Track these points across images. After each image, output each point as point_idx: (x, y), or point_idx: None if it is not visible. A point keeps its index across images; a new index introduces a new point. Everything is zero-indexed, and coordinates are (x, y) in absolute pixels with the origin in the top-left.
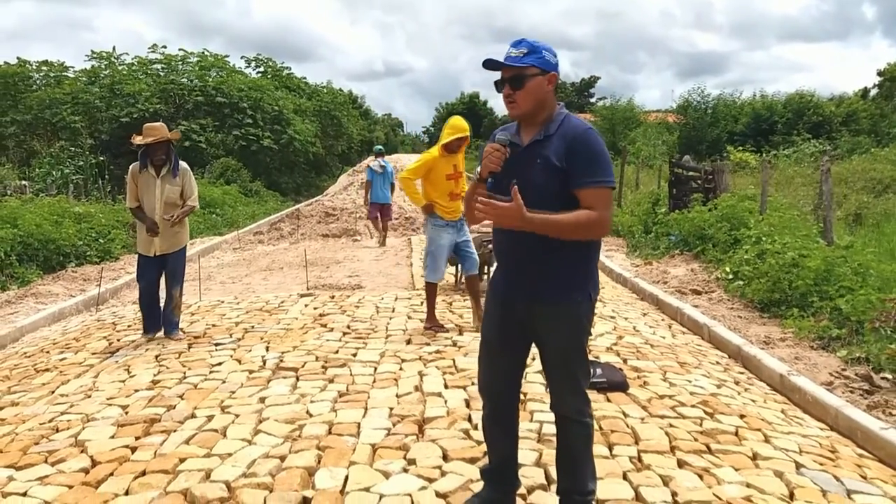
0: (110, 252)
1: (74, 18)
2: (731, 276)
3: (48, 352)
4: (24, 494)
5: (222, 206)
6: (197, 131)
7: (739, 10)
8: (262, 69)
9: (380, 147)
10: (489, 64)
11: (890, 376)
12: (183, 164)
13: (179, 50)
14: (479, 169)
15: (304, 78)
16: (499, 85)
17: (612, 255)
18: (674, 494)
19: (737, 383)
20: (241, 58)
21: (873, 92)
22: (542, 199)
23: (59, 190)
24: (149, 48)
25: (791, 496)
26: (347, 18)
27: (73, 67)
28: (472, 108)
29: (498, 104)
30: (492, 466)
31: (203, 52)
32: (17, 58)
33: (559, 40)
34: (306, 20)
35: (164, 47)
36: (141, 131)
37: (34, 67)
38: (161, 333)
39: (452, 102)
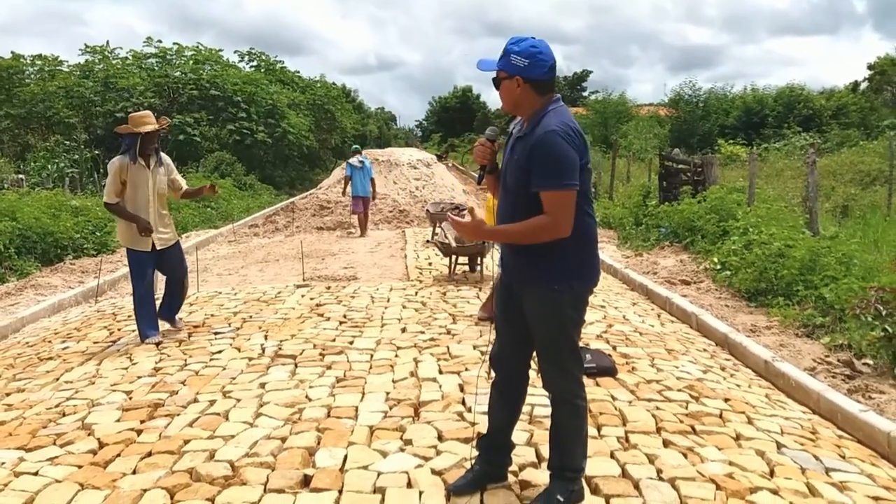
0: (107, 245)
1: (66, 12)
2: (719, 267)
3: (50, 341)
4: (36, 474)
5: (217, 199)
6: (191, 125)
7: (731, 4)
8: (255, 63)
9: (356, 146)
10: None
11: (871, 362)
12: (161, 153)
13: (174, 44)
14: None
15: (298, 72)
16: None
17: (604, 247)
18: (659, 472)
19: (722, 369)
20: (235, 52)
21: (863, 85)
22: (516, 194)
23: (56, 184)
24: (143, 42)
25: (771, 473)
26: (339, 12)
27: (66, 62)
28: (465, 102)
29: (491, 98)
30: (487, 435)
31: (197, 46)
32: (12, 52)
33: (552, 34)
34: (298, 14)
35: (160, 41)
36: (127, 123)
37: (28, 62)
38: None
39: (445, 96)
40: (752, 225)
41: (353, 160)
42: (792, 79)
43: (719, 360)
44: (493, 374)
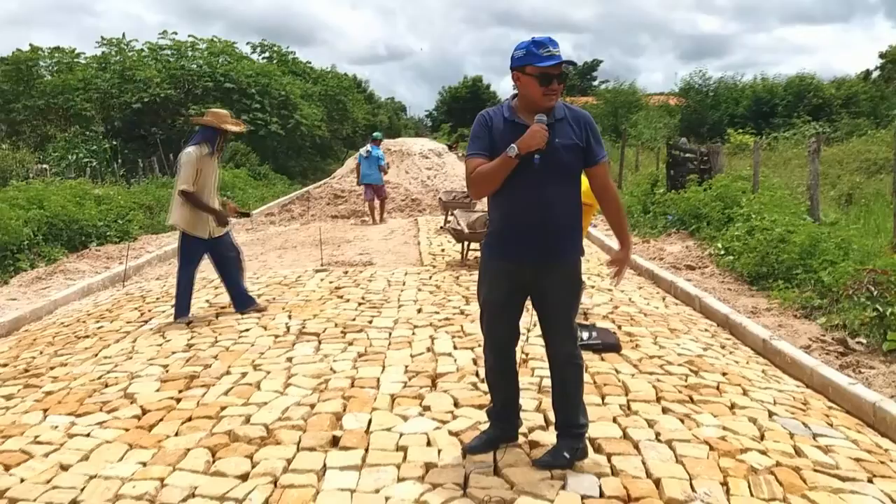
0: (129, 232)
1: (76, 2)
2: (722, 252)
3: (84, 322)
4: (88, 436)
5: (233, 188)
6: None
7: None
8: (268, 55)
9: (375, 134)
10: (561, 65)
11: (864, 340)
12: None
13: (189, 36)
14: (513, 146)
15: (310, 62)
16: (546, 79)
17: (612, 234)
18: (657, 434)
19: (722, 347)
20: (248, 43)
21: (875, 74)
22: (567, 173)
23: (77, 173)
24: (159, 34)
25: (762, 437)
26: (348, 1)
27: (83, 54)
28: (475, 91)
29: (501, 88)
30: (497, 408)
31: (212, 39)
32: (30, 45)
33: (561, 23)
34: (308, 4)
35: (175, 33)
36: (205, 115)
37: (46, 54)
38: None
39: (456, 86)
40: (755, 211)
41: (363, 150)
42: (803, 67)
43: (720, 338)
44: (492, 361)
